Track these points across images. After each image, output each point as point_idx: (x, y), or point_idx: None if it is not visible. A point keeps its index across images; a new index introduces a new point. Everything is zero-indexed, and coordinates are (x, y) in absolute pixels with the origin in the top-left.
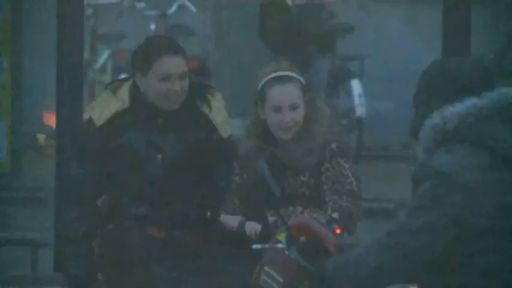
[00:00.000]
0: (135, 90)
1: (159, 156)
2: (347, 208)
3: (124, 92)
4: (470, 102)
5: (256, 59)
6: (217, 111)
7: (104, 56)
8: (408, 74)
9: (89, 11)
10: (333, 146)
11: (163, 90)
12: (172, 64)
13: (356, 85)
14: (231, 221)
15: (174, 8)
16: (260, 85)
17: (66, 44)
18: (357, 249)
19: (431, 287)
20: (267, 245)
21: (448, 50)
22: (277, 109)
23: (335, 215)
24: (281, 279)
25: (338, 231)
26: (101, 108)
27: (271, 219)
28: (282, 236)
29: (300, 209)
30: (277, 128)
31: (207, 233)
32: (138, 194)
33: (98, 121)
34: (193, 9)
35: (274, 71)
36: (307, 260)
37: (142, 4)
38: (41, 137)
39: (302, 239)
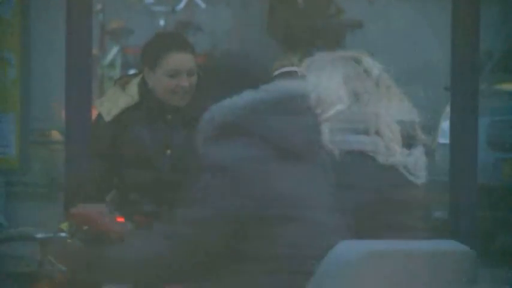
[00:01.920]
0: (143, 86)
1: (168, 151)
2: None
3: (133, 87)
4: (247, 95)
5: (265, 55)
6: None
7: (113, 51)
8: (417, 69)
9: (98, 6)
10: None
11: (171, 86)
12: (181, 60)
13: None
14: None
15: (182, 3)
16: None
17: (75, 39)
18: (138, 238)
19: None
20: (51, 234)
21: (458, 44)
22: None
23: None
24: (64, 268)
25: (120, 219)
26: (110, 104)
27: None
28: (65, 225)
29: None
30: None
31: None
32: (147, 191)
33: (107, 117)
34: (202, 4)
35: (283, 66)
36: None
37: (151, 0)
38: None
39: (85, 228)
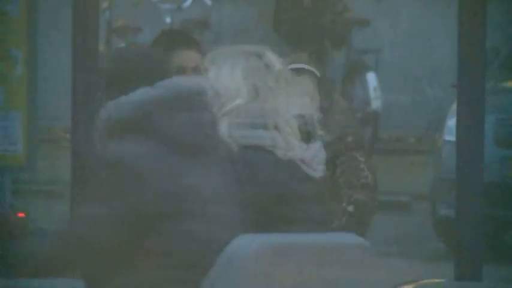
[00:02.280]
0: None
1: None
2: (362, 201)
3: None
4: (143, 92)
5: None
6: None
7: None
8: (423, 67)
9: (105, 4)
10: (349, 139)
11: None
12: (186, 57)
13: (371, 78)
14: None
15: (189, 1)
16: None
17: (82, 36)
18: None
19: (109, 274)
20: None
21: (465, 41)
22: None
23: (350, 208)
24: None
25: (21, 215)
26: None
27: None
28: None
29: None
30: None
31: None
32: None
33: None
34: (209, 2)
35: (290, 63)
36: None
37: None
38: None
39: None
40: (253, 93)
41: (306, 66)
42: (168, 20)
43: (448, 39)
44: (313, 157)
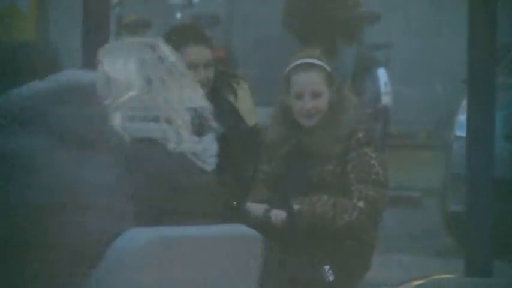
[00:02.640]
0: None
1: None
2: (372, 197)
3: None
4: (33, 85)
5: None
6: (243, 99)
7: None
8: (434, 62)
9: (115, 0)
10: (360, 134)
11: None
12: (198, 53)
13: (382, 73)
14: (257, 209)
15: None
16: (286, 72)
17: (92, 32)
18: None
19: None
20: None
21: (475, 37)
22: (299, 96)
23: (360, 204)
24: None
25: None
26: None
27: (296, 206)
28: None
29: (325, 197)
30: (300, 115)
31: (233, 222)
32: None
33: None
34: None
35: (301, 58)
36: None
37: None
38: None
39: None
40: (146, 85)
41: (316, 61)
42: (178, 15)
43: (458, 34)
44: (204, 150)
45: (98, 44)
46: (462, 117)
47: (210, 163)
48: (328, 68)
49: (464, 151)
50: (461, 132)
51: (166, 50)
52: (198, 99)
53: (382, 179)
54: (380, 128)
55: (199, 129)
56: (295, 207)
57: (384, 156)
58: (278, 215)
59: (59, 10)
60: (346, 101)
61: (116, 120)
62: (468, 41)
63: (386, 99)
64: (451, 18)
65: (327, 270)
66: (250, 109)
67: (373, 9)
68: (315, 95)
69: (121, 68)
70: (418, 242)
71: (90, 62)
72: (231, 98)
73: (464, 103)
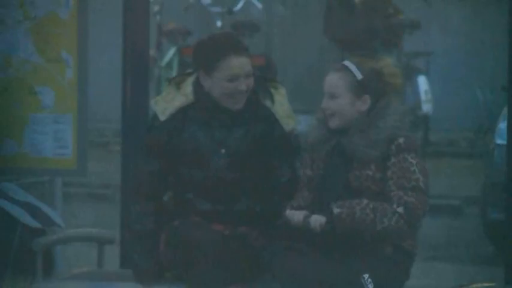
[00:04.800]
0: (198, 87)
1: (223, 150)
2: (412, 203)
3: (187, 86)
4: None
5: (322, 56)
6: (280, 104)
7: (170, 52)
8: (474, 70)
9: (155, 7)
10: (401, 140)
11: (230, 90)
12: (239, 64)
13: (422, 81)
14: (296, 215)
15: (240, 4)
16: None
17: (132, 40)
18: None
19: None
20: None
21: None
22: (324, 95)
23: (400, 210)
24: None
25: None
26: (165, 103)
27: (336, 210)
28: None
29: (365, 201)
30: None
31: (272, 228)
32: (202, 190)
33: (162, 116)
34: (259, 5)
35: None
36: None
37: (208, 0)
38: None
39: None
40: None
41: (348, 64)
42: (218, 23)
43: (498, 42)
44: None
45: (138, 51)
46: (503, 125)
47: None
48: (359, 75)
49: (504, 159)
50: (501, 140)
51: None
52: None
53: (422, 186)
54: (420, 136)
55: None
56: (335, 210)
57: (424, 163)
58: (317, 219)
59: (99, 17)
60: (387, 107)
61: None
62: (508, 48)
63: (426, 107)
64: (491, 25)
65: (366, 278)
66: (287, 114)
67: (413, 17)
68: (332, 96)
69: None
70: (458, 250)
71: (130, 68)
72: (268, 103)
73: (505, 111)
